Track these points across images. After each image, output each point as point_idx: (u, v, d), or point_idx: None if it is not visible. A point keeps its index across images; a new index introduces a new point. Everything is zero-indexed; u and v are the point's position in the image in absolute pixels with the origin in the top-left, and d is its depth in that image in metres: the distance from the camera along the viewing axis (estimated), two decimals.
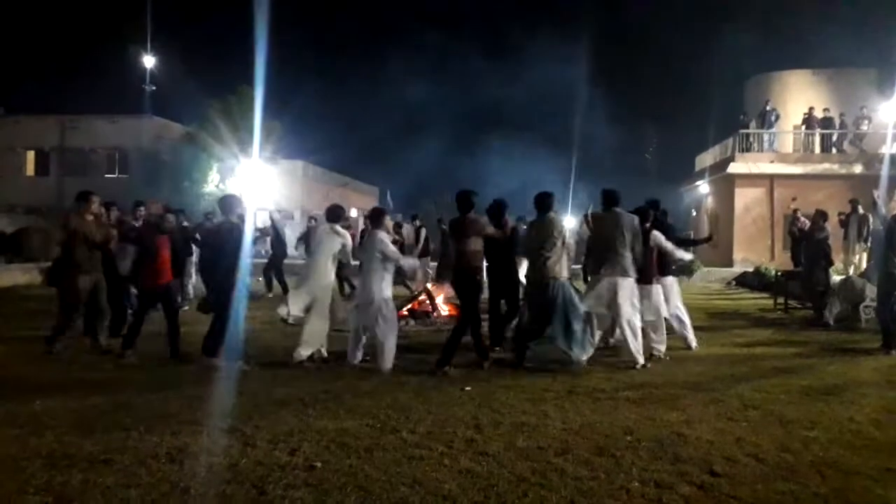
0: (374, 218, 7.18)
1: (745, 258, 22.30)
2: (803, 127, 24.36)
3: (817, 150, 23.95)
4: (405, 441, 4.53)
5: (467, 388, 5.96)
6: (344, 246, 7.18)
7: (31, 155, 34.22)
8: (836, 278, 11.62)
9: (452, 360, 6.72)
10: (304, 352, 6.94)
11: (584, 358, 6.80)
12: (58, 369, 6.66)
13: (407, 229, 14.36)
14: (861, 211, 15.35)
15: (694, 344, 8.04)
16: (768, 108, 24.22)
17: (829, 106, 24.21)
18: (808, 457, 4.30)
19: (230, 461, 4.12)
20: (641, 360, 6.91)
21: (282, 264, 13.68)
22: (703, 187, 27.15)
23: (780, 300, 12.37)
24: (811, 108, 24.04)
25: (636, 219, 7.20)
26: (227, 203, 7.21)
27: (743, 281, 18.08)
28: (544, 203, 7.08)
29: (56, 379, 6.22)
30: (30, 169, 34.33)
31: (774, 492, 3.76)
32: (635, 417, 5.12)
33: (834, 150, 23.63)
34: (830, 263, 10.87)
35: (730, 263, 22.31)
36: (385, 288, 6.86)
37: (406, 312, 10.01)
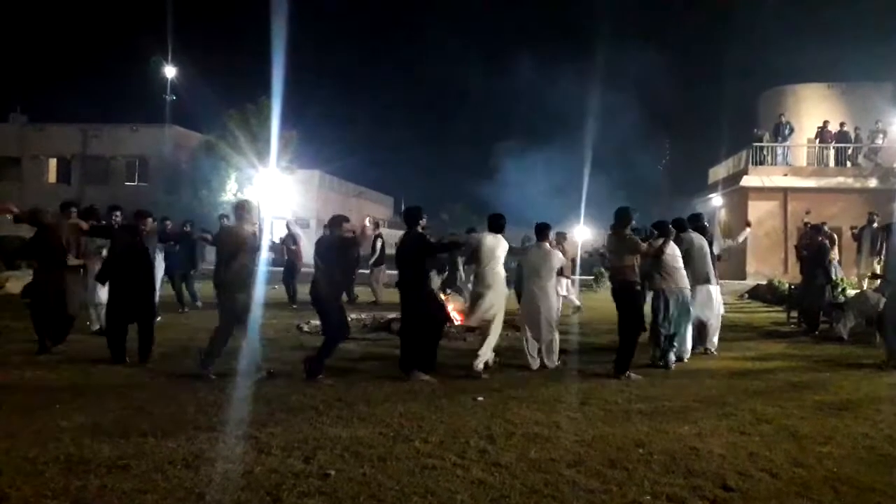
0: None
1: (757, 271, 22.19)
2: (817, 140, 24.25)
3: (832, 163, 23.83)
4: (418, 450, 4.55)
5: (479, 399, 5.98)
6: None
7: (53, 162, 34.78)
8: (850, 292, 11.55)
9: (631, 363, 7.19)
10: (480, 364, 7.08)
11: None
12: (76, 374, 6.73)
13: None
14: (876, 224, 15.23)
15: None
16: (782, 121, 24.14)
17: (844, 120, 24.10)
18: (821, 472, 4.29)
19: (245, 468, 4.16)
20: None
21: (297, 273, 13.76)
22: (716, 200, 27.05)
23: (794, 314, 12.29)
24: (825, 122, 23.93)
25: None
26: (412, 214, 7.16)
27: (755, 294, 17.98)
28: (681, 226, 8.11)
29: (75, 384, 6.30)
30: (52, 176, 34.89)
31: None
32: (648, 430, 5.12)
33: (848, 164, 23.51)
34: (829, 280, 10.85)
35: (742, 276, 22.20)
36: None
37: None
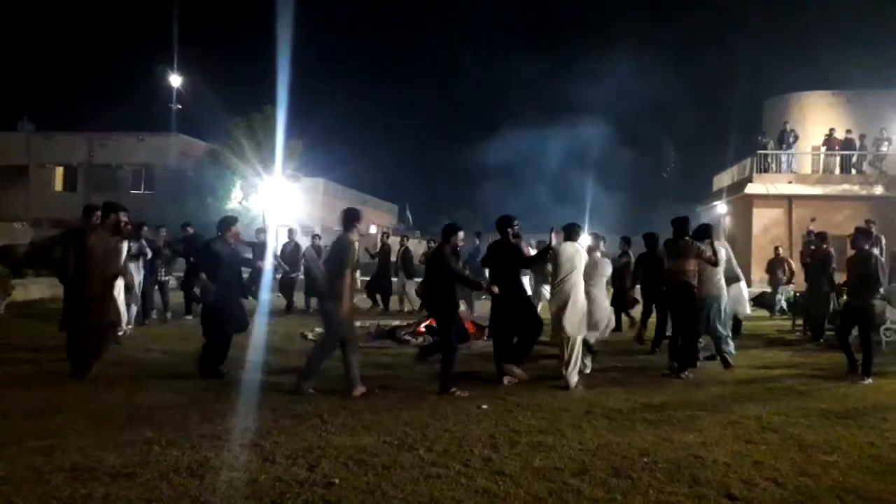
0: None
1: (762, 279, 22.13)
2: (823, 148, 24.25)
3: (837, 171, 23.82)
4: (422, 459, 4.55)
5: (483, 407, 5.97)
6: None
7: (59, 171, 35.02)
8: None
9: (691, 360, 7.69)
10: (573, 379, 6.96)
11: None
12: (81, 384, 6.74)
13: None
14: (875, 232, 15.17)
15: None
16: (787, 128, 24.15)
17: (850, 127, 24.10)
18: (827, 482, 4.27)
19: (250, 476, 4.17)
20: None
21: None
22: (721, 207, 27.04)
23: (799, 322, 12.26)
24: (832, 130, 23.92)
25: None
26: (503, 223, 7.20)
27: (761, 302, 17.90)
28: (706, 233, 8.09)
29: (80, 393, 6.31)
30: (58, 184, 35.13)
31: None
32: (652, 439, 5.11)
33: (854, 172, 23.49)
34: (833, 288, 10.85)
35: (747, 284, 22.14)
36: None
37: (423, 329, 10.05)
